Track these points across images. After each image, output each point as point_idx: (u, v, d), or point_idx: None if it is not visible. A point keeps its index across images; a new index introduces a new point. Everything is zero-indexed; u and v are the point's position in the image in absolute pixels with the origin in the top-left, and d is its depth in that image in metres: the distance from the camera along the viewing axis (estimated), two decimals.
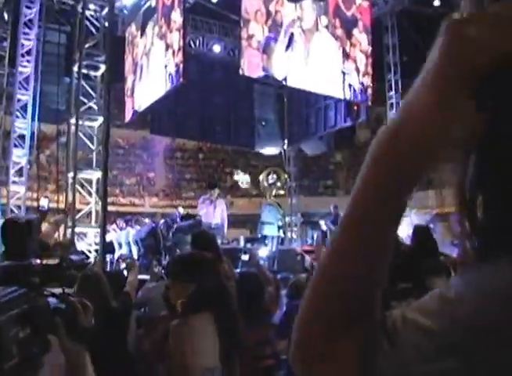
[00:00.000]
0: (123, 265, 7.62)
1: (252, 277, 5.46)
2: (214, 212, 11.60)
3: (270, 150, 19.28)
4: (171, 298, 3.37)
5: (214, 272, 3.35)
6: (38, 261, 2.07)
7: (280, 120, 17.92)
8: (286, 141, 18.15)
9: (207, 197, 12.09)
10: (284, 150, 19.03)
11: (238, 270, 10.51)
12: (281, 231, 14.16)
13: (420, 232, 7.26)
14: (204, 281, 3.11)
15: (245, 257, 9.42)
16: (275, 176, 15.25)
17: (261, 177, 15.55)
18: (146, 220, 15.44)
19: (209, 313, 2.98)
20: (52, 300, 1.50)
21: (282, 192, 15.75)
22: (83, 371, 1.58)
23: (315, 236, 16.66)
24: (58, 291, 1.54)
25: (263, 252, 11.98)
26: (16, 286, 1.39)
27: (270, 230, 13.62)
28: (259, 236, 14.11)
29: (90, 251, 9.53)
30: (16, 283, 1.42)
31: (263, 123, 17.23)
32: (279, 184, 15.31)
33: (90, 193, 9.54)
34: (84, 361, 1.58)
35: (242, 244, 14.97)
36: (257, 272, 5.98)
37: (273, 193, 14.93)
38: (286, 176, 16.17)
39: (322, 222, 15.89)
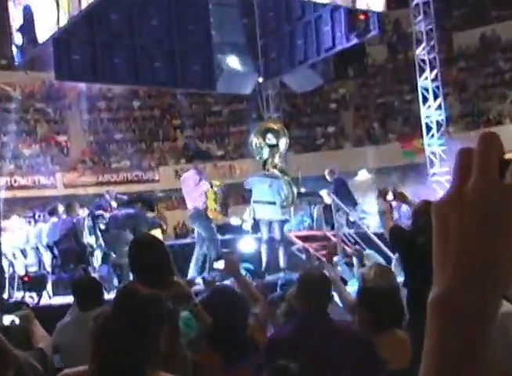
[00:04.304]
0: (16, 320, 7.34)
1: (228, 297, 5.48)
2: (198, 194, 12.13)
3: (239, 90, 19.15)
4: None
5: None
6: None
7: (251, 43, 17.81)
8: (261, 74, 18.12)
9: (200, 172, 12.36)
10: (259, 88, 18.99)
11: (206, 275, 10.62)
12: (286, 212, 13.94)
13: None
14: None
15: (219, 264, 9.31)
16: (271, 136, 14.20)
17: (254, 141, 14.61)
18: (60, 209, 15.32)
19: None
20: None
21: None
22: None
23: (314, 213, 16.61)
24: None
25: (248, 246, 12.08)
26: None
27: (269, 212, 13.26)
28: (252, 222, 13.87)
29: None
30: None
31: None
32: (281, 145, 14.31)
33: None
34: None
35: None
36: (234, 289, 6.02)
37: (276, 159, 14.07)
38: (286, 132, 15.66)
39: (323, 193, 15.85)
